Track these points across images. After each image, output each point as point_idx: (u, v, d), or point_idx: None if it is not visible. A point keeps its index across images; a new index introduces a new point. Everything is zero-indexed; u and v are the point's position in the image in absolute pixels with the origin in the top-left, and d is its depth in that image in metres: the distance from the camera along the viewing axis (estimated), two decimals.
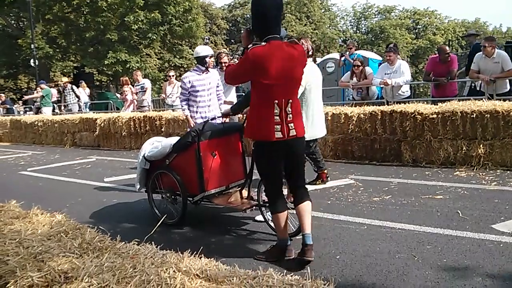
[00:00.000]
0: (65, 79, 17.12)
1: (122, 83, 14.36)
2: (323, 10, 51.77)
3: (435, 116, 6.73)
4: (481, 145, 6.41)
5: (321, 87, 5.70)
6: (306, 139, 3.84)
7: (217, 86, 6.10)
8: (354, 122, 7.59)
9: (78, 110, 16.17)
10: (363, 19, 53.11)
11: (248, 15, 48.07)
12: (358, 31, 53.08)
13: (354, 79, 9.42)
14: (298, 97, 3.81)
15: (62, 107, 17.41)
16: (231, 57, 6.71)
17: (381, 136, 7.41)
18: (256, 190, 4.37)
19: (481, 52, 7.83)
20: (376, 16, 52.86)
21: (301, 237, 3.60)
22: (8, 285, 2.52)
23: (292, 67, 3.40)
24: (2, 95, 22.60)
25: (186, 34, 31.15)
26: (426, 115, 6.81)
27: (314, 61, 5.65)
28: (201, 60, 5.85)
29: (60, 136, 13.95)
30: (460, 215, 4.49)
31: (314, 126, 5.50)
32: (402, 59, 10.04)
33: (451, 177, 6.11)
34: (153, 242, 2.97)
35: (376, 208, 4.94)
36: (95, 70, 31.70)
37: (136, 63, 28.13)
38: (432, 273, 3.25)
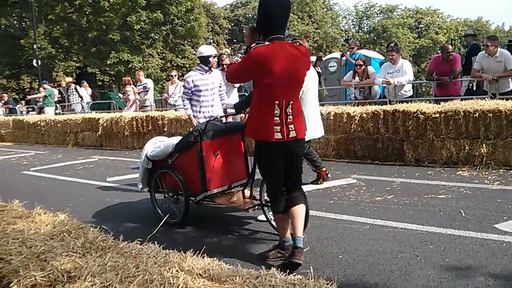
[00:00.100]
0: (68, 79, 17.13)
1: (124, 83, 14.38)
2: (325, 10, 51.73)
3: (437, 115, 6.72)
4: (483, 145, 6.39)
5: (317, 88, 5.69)
6: None
7: (220, 86, 6.11)
8: (356, 121, 7.58)
9: (81, 110, 16.19)
10: (365, 18, 53.03)
11: (250, 15, 48.12)
12: (360, 31, 53.00)
13: (357, 78, 9.41)
14: None
15: (66, 107, 17.44)
16: (233, 56, 6.70)
17: (383, 136, 7.40)
18: (259, 189, 4.37)
19: (483, 51, 7.82)
20: (378, 15, 52.78)
21: (303, 236, 3.60)
22: (11, 284, 2.52)
23: (295, 68, 3.38)
24: (5, 95, 22.65)
25: (188, 34, 31.18)
26: (429, 115, 6.80)
27: (320, 59, 5.67)
28: (204, 60, 5.87)
29: (63, 136, 13.97)
30: (463, 214, 4.49)
31: (310, 127, 5.49)
32: (404, 58, 10.02)
33: (454, 177, 6.10)
34: (155, 242, 2.97)
35: (379, 208, 4.94)
36: (97, 70, 31.74)
37: (139, 63, 28.17)
38: (434, 273, 3.25)
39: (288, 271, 2.62)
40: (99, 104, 19.25)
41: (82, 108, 16.34)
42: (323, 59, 16.91)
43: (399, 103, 7.88)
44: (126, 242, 3.00)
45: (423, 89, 29.41)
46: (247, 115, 4.44)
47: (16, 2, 26.23)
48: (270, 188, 3.72)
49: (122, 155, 10.69)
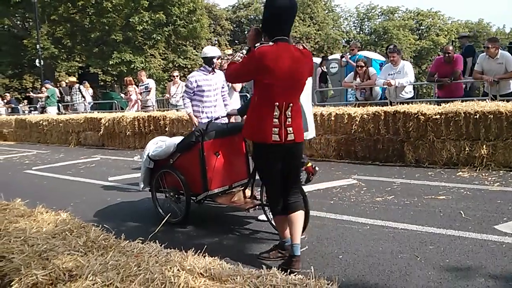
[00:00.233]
0: (72, 78, 17.11)
1: (126, 83, 14.40)
2: (326, 11, 51.68)
3: (438, 116, 6.74)
4: (484, 146, 6.41)
5: (311, 89, 5.68)
6: None
7: (223, 87, 6.12)
8: (357, 122, 7.59)
9: (84, 110, 16.21)
10: (366, 20, 53.00)
11: (251, 16, 48.11)
12: (361, 32, 52.97)
13: (358, 79, 9.42)
14: None
15: (69, 106, 17.47)
16: (234, 55, 6.67)
17: (384, 137, 7.41)
18: (259, 189, 4.38)
19: (484, 53, 7.83)
20: (380, 17, 52.75)
21: (303, 236, 3.61)
22: (12, 282, 2.53)
23: (298, 70, 3.34)
24: (7, 94, 22.72)
25: (190, 35, 31.18)
26: (429, 116, 6.81)
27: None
28: (208, 61, 5.88)
29: (65, 136, 14.00)
30: (463, 215, 4.50)
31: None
32: (405, 59, 10.03)
33: (454, 178, 6.11)
34: (157, 241, 2.99)
35: (379, 208, 4.95)
36: (99, 70, 31.77)
37: (141, 63, 28.19)
38: (434, 274, 3.26)
39: (288, 271, 2.64)
40: (101, 104, 19.28)
41: (85, 108, 16.36)
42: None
43: (400, 104, 7.89)
44: (128, 241, 3.02)
45: (424, 91, 29.41)
46: None
47: (19, 3, 26.26)
48: (268, 190, 3.71)
49: (124, 155, 10.71)
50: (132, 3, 27.49)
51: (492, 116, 6.33)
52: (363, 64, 9.37)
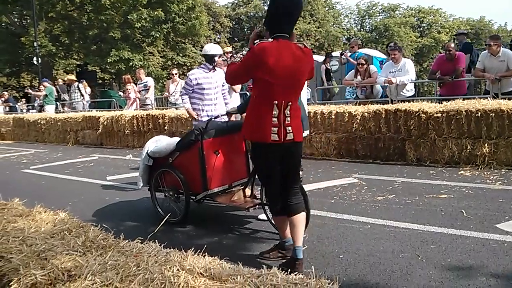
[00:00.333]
0: (71, 77, 17.06)
1: (124, 81, 14.36)
2: (327, 8, 51.65)
3: (439, 115, 6.71)
4: (485, 144, 6.38)
5: (306, 85, 5.65)
6: None
7: (223, 85, 6.09)
8: (358, 120, 7.57)
9: (82, 109, 16.18)
10: (367, 17, 53.01)
11: (251, 13, 48.08)
12: (362, 29, 52.98)
13: (359, 77, 9.40)
14: None
15: (65, 105, 17.44)
16: (235, 57, 6.63)
17: (385, 135, 7.39)
18: (259, 188, 4.36)
19: (486, 51, 7.81)
20: (381, 14, 52.76)
21: (304, 235, 3.59)
22: (11, 283, 2.51)
23: (298, 69, 3.29)
24: (5, 93, 22.69)
25: (189, 32, 31.15)
26: (431, 114, 6.78)
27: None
28: (209, 59, 5.84)
29: (63, 134, 13.98)
30: (464, 214, 4.48)
31: None
32: (406, 57, 10.01)
33: (456, 176, 6.09)
34: (156, 241, 2.96)
35: (380, 207, 4.93)
36: (98, 68, 31.76)
37: (139, 61, 28.16)
38: (436, 273, 3.24)
39: (289, 270, 2.62)
40: (99, 102, 19.25)
41: (83, 106, 16.34)
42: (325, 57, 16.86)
43: (401, 102, 7.87)
44: (127, 240, 3.00)
45: (425, 89, 29.41)
46: None
47: (17, 0, 26.23)
48: (267, 190, 3.68)
49: (123, 154, 10.68)
50: (131, 0, 27.46)
51: (493, 114, 6.30)
52: (364, 62, 9.35)
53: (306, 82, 4.91)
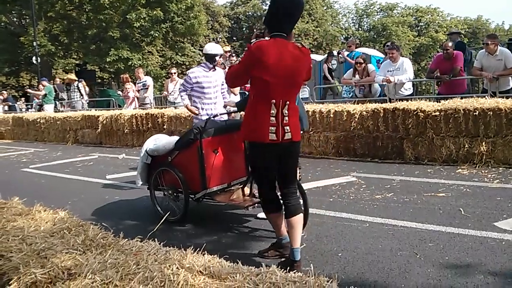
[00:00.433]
0: (72, 76, 17.00)
1: (123, 81, 14.34)
2: (325, 8, 51.59)
3: (437, 113, 6.73)
4: (483, 143, 6.40)
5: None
6: None
7: (222, 84, 6.09)
8: (356, 119, 7.58)
9: (81, 108, 16.17)
10: (365, 16, 52.95)
11: (250, 13, 48.00)
12: (360, 29, 52.93)
13: (357, 76, 9.41)
14: None
15: (64, 105, 17.41)
16: (235, 60, 6.64)
17: (383, 134, 7.41)
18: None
19: (484, 50, 7.83)
20: (378, 13, 52.69)
21: (302, 234, 3.59)
22: (11, 281, 2.52)
23: (295, 68, 3.28)
24: (4, 92, 22.65)
25: (188, 32, 31.12)
26: (429, 113, 6.80)
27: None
28: (210, 58, 5.83)
29: (62, 133, 13.98)
30: (462, 212, 4.49)
31: None
32: (404, 56, 10.03)
33: (453, 175, 6.10)
34: (156, 239, 2.97)
35: (378, 206, 4.94)
36: (97, 68, 31.71)
37: (138, 60, 28.14)
38: (434, 271, 3.26)
39: (288, 268, 2.63)
40: (98, 101, 19.23)
41: (82, 105, 16.33)
42: (324, 56, 16.87)
43: (399, 101, 7.87)
44: (126, 239, 3.01)
45: (423, 88, 29.39)
46: None
47: (16, 0, 26.19)
48: (261, 188, 3.66)
49: (122, 153, 10.68)
50: (129, 0, 27.41)
51: (491, 113, 6.32)
52: (362, 61, 9.36)
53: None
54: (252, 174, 3.70)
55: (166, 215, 4.52)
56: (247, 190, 4.62)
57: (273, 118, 3.26)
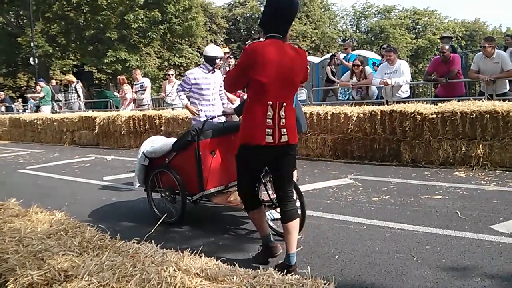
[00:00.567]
0: (71, 78, 16.93)
1: (119, 82, 14.32)
2: (323, 10, 51.68)
3: (434, 116, 6.75)
4: (480, 146, 6.42)
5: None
6: None
7: (220, 86, 6.09)
8: (353, 122, 7.59)
9: (78, 109, 16.15)
10: (363, 18, 53.06)
11: (248, 14, 48.03)
12: (357, 31, 53.04)
13: (354, 78, 9.43)
14: None
15: (60, 106, 17.38)
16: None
17: (380, 136, 7.42)
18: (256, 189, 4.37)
19: (481, 52, 7.86)
20: (376, 15, 52.81)
21: (299, 236, 3.59)
22: (7, 283, 2.52)
23: (291, 69, 3.26)
24: (2, 93, 22.59)
25: (186, 33, 31.08)
26: (426, 115, 6.82)
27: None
28: (210, 60, 5.81)
29: (59, 135, 13.95)
30: (459, 215, 4.50)
31: None
32: (401, 58, 10.06)
33: (450, 177, 6.12)
34: (153, 241, 2.97)
35: (375, 208, 4.95)
36: (94, 69, 31.66)
37: (136, 61, 28.08)
38: (431, 273, 3.26)
39: (285, 271, 2.63)
40: (96, 102, 19.20)
41: (79, 106, 16.30)
42: (321, 58, 16.91)
43: (396, 103, 7.90)
44: (123, 241, 3.00)
45: (420, 90, 29.48)
46: None
47: (14, 0, 26.12)
48: (243, 187, 3.60)
49: (119, 154, 10.68)
50: (127, 1, 27.41)
51: (488, 115, 6.34)
52: (359, 63, 9.37)
53: None
54: (239, 173, 3.58)
55: (163, 217, 4.51)
56: None
57: (269, 120, 3.23)
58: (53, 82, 19.48)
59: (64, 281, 2.44)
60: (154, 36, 29.11)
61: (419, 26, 51.84)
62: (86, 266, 2.53)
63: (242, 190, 3.63)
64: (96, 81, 34.27)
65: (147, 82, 13.35)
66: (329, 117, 7.93)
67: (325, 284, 2.23)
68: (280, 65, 3.20)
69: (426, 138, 6.88)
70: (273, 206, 4.15)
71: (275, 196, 3.82)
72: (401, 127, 7.11)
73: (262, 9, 3.64)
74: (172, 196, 4.86)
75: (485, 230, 4.06)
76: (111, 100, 17.13)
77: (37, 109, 16.95)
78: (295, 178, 4.40)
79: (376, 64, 11.69)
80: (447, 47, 8.63)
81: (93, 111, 14.94)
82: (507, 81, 7.79)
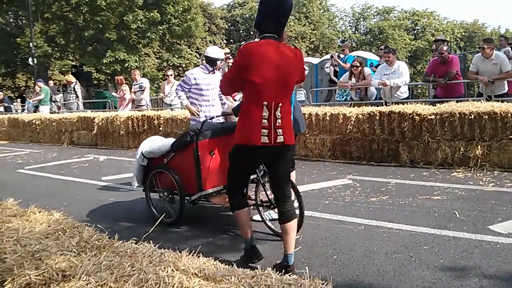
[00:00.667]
0: (71, 78, 16.89)
1: (117, 82, 14.31)
2: (322, 11, 51.74)
3: (433, 117, 6.75)
4: (478, 146, 6.42)
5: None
6: None
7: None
8: (352, 122, 7.60)
9: (76, 109, 16.14)
10: (362, 19, 53.15)
11: (247, 15, 48.07)
12: (357, 32, 53.11)
13: (353, 79, 9.43)
14: None
15: (61, 106, 17.35)
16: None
17: (379, 137, 7.42)
18: (254, 190, 4.37)
19: (479, 54, 7.88)
20: (375, 16, 52.90)
21: (298, 236, 3.58)
22: (5, 283, 2.51)
23: (287, 70, 3.24)
24: (0, 93, 22.54)
25: (185, 34, 31.09)
26: (424, 116, 6.82)
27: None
28: (211, 61, 5.79)
29: (58, 135, 13.94)
30: (457, 216, 4.50)
31: None
32: (400, 60, 10.07)
33: (449, 178, 6.12)
34: (151, 241, 2.97)
35: (374, 209, 4.95)
36: (93, 69, 31.65)
37: (135, 62, 28.08)
38: (429, 274, 3.26)
39: (283, 271, 2.63)
40: (94, 103, 19.18)
41: (77, 107, 16.28)
42: (320, 59, 16.92)
43: (395, 104, 7.91)
44: (121, 241, 3.01)
45: (419, 91, 29.52)
46: None
47: (12, 0, 26.09)
48: (233, 185, 3.58)
49: (118, 154, 10.67)
50: (127, 1, 27.40)
51: (486, 116, 6.35)
52: (358, 64, 9.38)
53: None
54: (230, 172, 3.57)
55: (162, 217, 4.51)
56: None
57: (265, 121, 3.21)
58: (51, 83, 19.44)
59: (62, 281, 2.44)
60: (153, 36, 29.11)
61: (418, 27, 51.93)
62: (84, 266, 2.54)
63: (232, 188, 3.61)
64: (95, 82, 34.26)
65: (146, 82, 13.36)
66: (328, 118, 7.93)
67: (323, 284, 2.23)
68: (275, 65, 3.18)
69: (424, 139, 6.88)
70: (272, 206, 4.15)
71: (273, 196, 3.82)
72: (400, 128, 7.12)
73: None
74: (170, 196, 4.85)
75: (483, 230, 4.06)
76: (109, 101, 17.12)
77: (36, 109, 16.93)
78: (293, 179, 4.40)
79: (373, 65, 11.68)
80: (445, 48, 8.65)
81: (91, 111, 14.93)
82: (505, 82, 7.81)
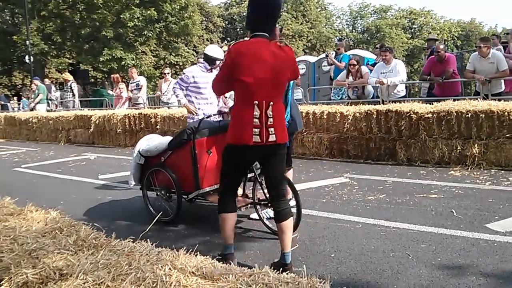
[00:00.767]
0: (67, 76, 16.82)
1: (114, 81, 14.27)
2: (319, 9, 51.74)
3: (430, 115, 6.76)
4: (475, 145, 6.44)
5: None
6: None
7: None
8: (349, 121, 7.60)
9: (73, 107, 16.10)
10: (359, 18, 53.15)
11: (244, 13, 47.97)
12: (354, 30, 53.13)
13: (350, 78, 9.43)
14: None
15: (58, 104, 17.30)
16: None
17: (376, 135, 7.43)
18: (251, 188, 4.37)
19: (476, 53, 7.89)
20: (372, 15, 52.91)
21: (295, 235, 3.58)
22: (2, 281, 2.51)
23: (278, 67, 3.21)
24: None
25: (182, 32, 31.08)
26: (422, 115, 6.83)
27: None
28: (210, 60, 5.76)
29: (55, 133, 13.91)
30: (455, 214, 4.51)
31: None
32: (397, 58, 10.08)
33: (446, 176, 6.13)
34: (148, 240, 2.96)
35: (371, 207, 4.96)
36: (90, 67, 31.58)
37: (132, 60, 28.06)
38: (426, 272, 3.27)
39: (281, 269, 2.63)
40: (91, 101, 19.13)
41: (74, 105, 16.24)
42: (317, 58, 16.91)
43: (392, 103, 7.91)
44: (119, 239, 3.00)
45: (416, 90, 29.53)
46: None
47: None
48: (225, 187, 3.54)
49: (115, 153, 10.66)
50: None
51: (483, 115, 6.36)
52: (355, 63, 9.38)
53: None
54: (223, 172, 3.53)
55: (159, 216, 4.51)
56: (240, 191, 4.61)
57: (256, 120, 3.19)
58: (46, 80, 19.37)
59: (59, 280, 2.43)
60: (150, 34, 29.09)
61: (415, 26, 52.00)
62: (81, 264, 2.53)
63: (223, 189, 3.56)
64: (92, 80, 34.17)
65: (143, 80, 13.33)
66: (325, 116, 7.93)
67: (320, 282, 2.23)
68: (265, 64, 3.16)
69: (421, 138, 6.89)
70: (269, 204, 4.15)
71: (260, 197, 3.82)
72: (397, 126, 7.13)
73: None
74: (167, 194, 4.85)
75: (480, 228, 4.07)
76: (106, 99, 17.07)
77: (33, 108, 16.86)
78: (290, 177, 4.40)
79: (370, 64, 11.68)
80: (441, 46, 8.67)
81: (88, 109, 14.90)
82: (502, 81, 7.83)
